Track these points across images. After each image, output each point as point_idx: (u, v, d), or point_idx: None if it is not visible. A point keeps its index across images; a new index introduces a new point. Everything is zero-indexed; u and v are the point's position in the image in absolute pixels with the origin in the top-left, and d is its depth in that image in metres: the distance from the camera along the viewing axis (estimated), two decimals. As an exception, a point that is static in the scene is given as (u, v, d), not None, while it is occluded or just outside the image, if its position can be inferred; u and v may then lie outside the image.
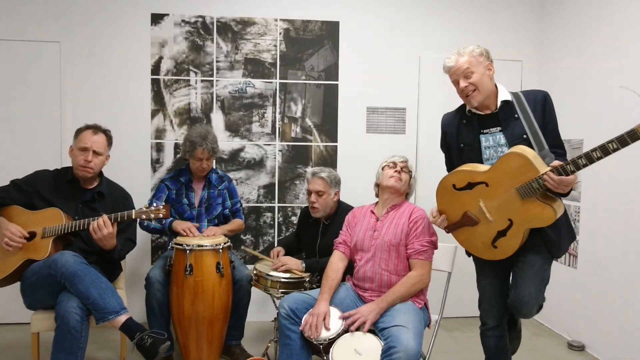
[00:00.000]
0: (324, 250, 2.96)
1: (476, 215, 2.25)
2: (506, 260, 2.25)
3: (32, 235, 2.59)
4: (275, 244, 3.85)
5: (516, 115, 2.21)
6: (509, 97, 2.24)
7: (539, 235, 2.18)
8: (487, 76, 2.24)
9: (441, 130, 2.49)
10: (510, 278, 2.35)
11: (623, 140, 1.79)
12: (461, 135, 2.35)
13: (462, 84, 2.23)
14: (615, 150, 1.81)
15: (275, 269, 2.86)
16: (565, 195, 2.07)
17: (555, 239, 2.20)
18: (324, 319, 2.32)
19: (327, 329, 2.30)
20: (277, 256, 3.15)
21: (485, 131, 2.28)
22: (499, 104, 2.24)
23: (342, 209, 3.05)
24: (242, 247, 3.58)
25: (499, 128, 2.25)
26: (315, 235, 3.12)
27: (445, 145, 2.49)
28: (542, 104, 2.20)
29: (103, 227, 2.50)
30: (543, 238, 2.19)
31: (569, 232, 2.28)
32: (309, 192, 3.06)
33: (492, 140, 2.26)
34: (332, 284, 2.50)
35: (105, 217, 2.52)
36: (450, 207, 2.33)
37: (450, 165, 2.46)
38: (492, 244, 2.23)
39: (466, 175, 2.25)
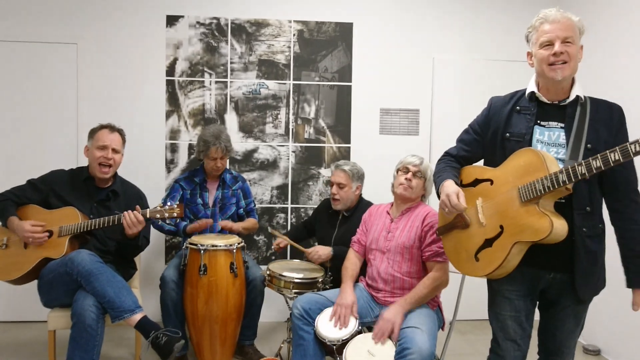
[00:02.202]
0: (340, 241, 2.98)
1: (470, 216, 1.95)
2: (538, 287, 1.97)
3: (48, 234, 2.62)
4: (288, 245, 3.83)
5: (580, 117, 1.88)
6: (581, 94, 1.90)
7: (581, 274, 1.93)
8: (578, 58, 1.89)
9: (486, 111, 2.08)
10: (542, 319, 2.07)
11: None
12: (510, 123, 1.96)
13: (559, 47, 1.82)
14: (636, 153, 1.53)
15: (311, 259, 2.95)
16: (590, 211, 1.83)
17: (591, 274, 1.96)
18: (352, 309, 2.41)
19: (355, 317, 2.38)
20: (279, 247, 3.19)
21: (542, 123, 1.91)
22: (571, 95, 1.90)
23: (363, 204, 3.08)
24: (270, 230, 3.51)
25: (560, 124, 1.89)
26: (333, 226, 3.13)
27: (479, 132, 2.07)
28: (619, 119, 1.88)
29: (137, 223, 2.54)
30: (578, 272, 1.93)
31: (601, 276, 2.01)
32: (331, 184, 3.09)
33: (548, 136, 1.89)
34: (352, 274, 2.61)
35: (138, 211, 2.56)
36: None
37: (466, 158, 2.12)
38: (475, 255, 1.91)
39: (476, 171, 1.99)
